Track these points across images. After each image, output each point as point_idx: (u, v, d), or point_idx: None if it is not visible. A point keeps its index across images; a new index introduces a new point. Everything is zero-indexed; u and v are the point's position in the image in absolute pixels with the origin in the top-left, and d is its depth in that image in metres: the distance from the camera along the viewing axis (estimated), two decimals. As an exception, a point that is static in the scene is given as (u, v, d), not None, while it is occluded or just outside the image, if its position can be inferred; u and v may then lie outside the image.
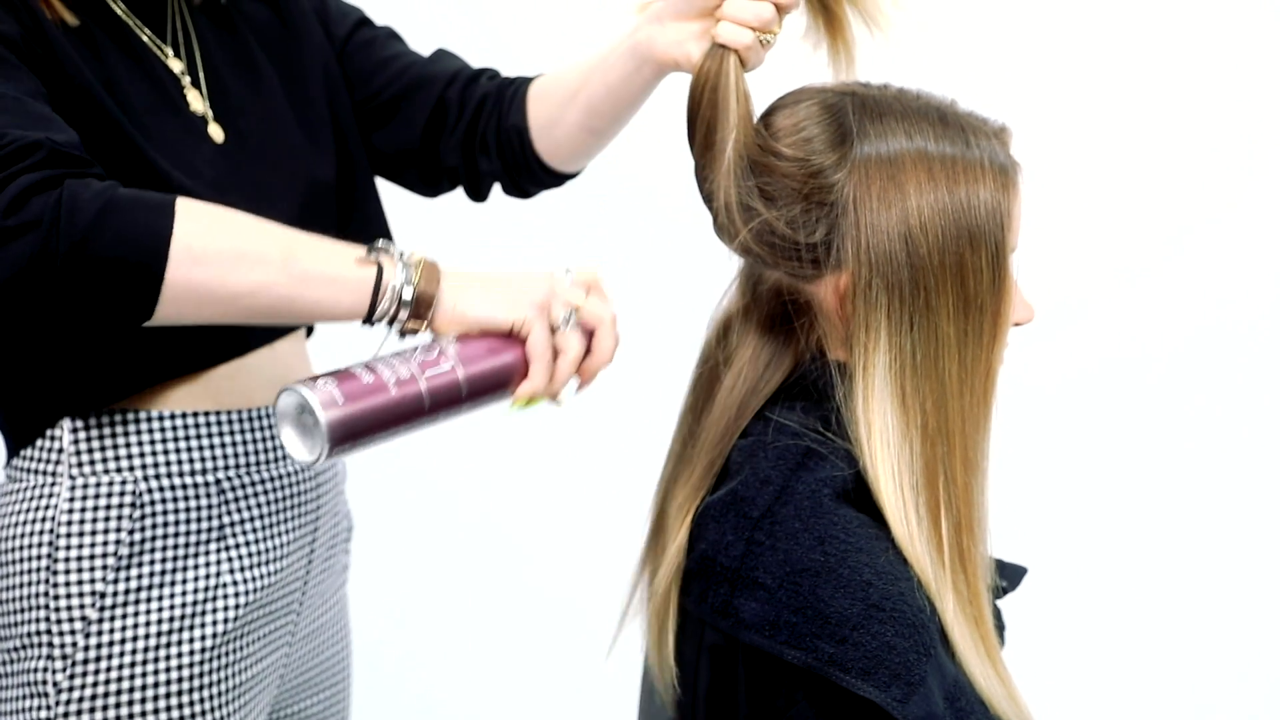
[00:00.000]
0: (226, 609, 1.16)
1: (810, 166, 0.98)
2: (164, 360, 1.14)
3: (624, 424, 2.09)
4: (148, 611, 1.13)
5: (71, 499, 1.12)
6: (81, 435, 1.13)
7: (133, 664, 1.12)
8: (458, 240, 1.48)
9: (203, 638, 1.15)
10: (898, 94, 1.01)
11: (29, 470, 1.14)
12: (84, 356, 1.11)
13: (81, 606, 1.11)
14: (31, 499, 1.13)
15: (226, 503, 1.17)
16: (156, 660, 1.13)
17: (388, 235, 1.33)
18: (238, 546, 1.18)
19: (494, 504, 2.35)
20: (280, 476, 1.22)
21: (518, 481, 2.34)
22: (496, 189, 1.40)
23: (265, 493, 1.20)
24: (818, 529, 0.95)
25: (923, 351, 0.96)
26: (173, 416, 1.15)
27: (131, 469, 1.13)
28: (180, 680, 1.14)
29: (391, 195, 1.40)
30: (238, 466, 1.18)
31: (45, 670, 1.11)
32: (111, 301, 0.96)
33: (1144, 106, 2.22)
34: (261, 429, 1.20)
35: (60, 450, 1.13)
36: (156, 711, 1.13)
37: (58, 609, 1.11)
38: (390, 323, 1.01)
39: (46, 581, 1.12)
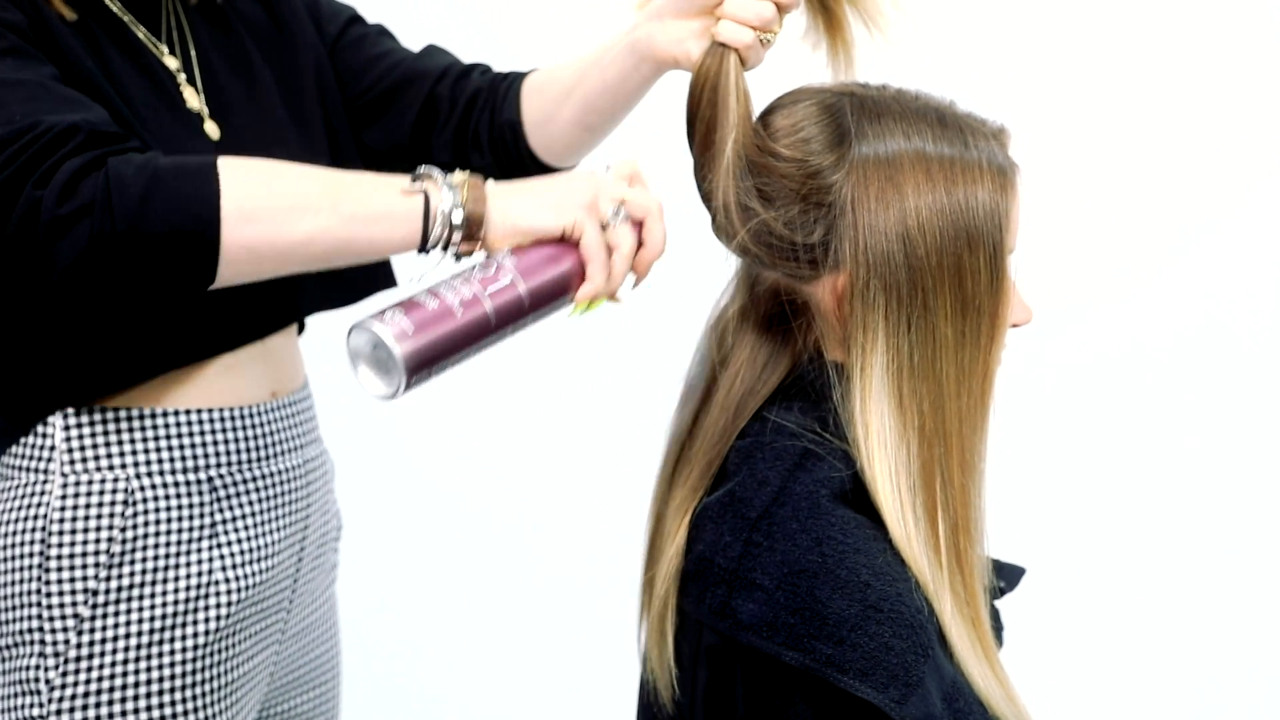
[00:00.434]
0: (218, 606, 1.16)
1: (808, 167, 0.98)
2: (157, 353, 1.13)
3: (622, 423, 2.09)
4: (139, 609, 1.13)
5: (64, 496, 1.12)
6: (74, 433, 1.12)
7: (124, 661, 1.12)
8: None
9: (194, 635, 1.15)
10: (896, 94, 1.01)
11: (20, 468, 1.14)
12: (78, 349, 1.11)
13: (74, 604, 1.11)
14: (23, 496, 1.13)
15: (218, 500, 1.17)
16: (148, 658, 1.13)
17: None
18: (229, 544, 1.17)
19: (487, 503, 2.35)
20: (271, 474, 1.22)
21: (512, 481, 2.34)
22: None
23: (256, 490, 1.20)
24: (815, 530, 0.95)
25: (920, 353, 0.96)
26: (164, 414, 1.15)
27: (124, 466, 1.13)
28: (172, 678, 1.14)
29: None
30: (229, 464, 1.18)
31: (38, 668, 1.11)
32: (173, 270, 0.98)
33: (1147, 109, 2.22)
34: (253, 426, 1.20)
35: (52, 448, 1.13)
36: (149, 709, 1.13)
37: (49, 606, 1.11)
38: (445, 247, 1.02)
39: (39, 579, 1.11)
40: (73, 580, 1.11)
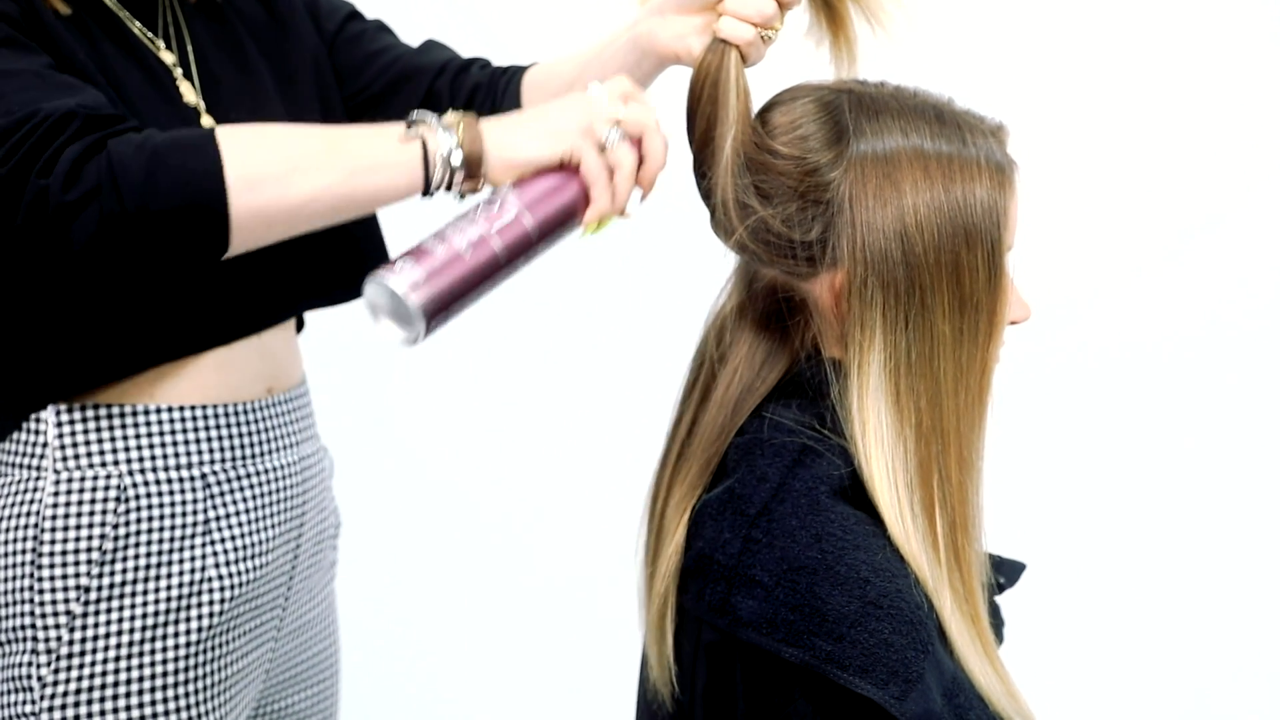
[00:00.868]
0: (211, 604, 1.16)
1: (806, 165, 0.98)
2: (150, 345, 1.13)
3: (621, 420, 2.09)
4: (132, 606, 1.13)
5: (56, 493, 1.12)
6: (66, 429, 1.12)
7: (117, 658, 1.12)
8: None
9: (187, 632, 1.15)
10: (894, 92, 1.01)
11: (13, 464, 1.14)
12: (70, 341, 1.11)
13: (66, 601, 1.11)
14: (15, 493, 1.13)
15: (212, 497, 1.17)
16: (141, 655, 1.13)
17: (377, 229, 1.33)
18: (223, 541, 1.17)
19: (487, 501, 2.35)
20: (265, 471, 1.22)
21: (511, 479, 2.34)
22: None
23: (251, 487, 1.20)
24: (815, 526, 0.95)
25: (918, 350, 0.96)
26: (158, 410, 1.15)
27: (116, 463, 1.13)
28: (165, 674, 1.14)
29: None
30: (223, 460, 1.18)
31: (30, 664, 1.11)
32: (186, 243, 0.99)
33: (1147, 107, 2.22)
34: (248, 423, 1.20)
35: (45, 444, 1.12)
36: (141, 706, 1.13)
37: (42, 604, 1.11)
38: (448, 188, 1.03)
39: (31, 576, 1.11)
40: (64, 577, 1.11)
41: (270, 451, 1.22)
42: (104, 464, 1.13)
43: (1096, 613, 2.28)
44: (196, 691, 1.15)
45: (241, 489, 1.19)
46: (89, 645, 1.12)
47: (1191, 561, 2.27)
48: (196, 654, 1.16)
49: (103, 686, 1.12)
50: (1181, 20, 2.20)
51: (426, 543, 2.33)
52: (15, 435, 1.13)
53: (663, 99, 1.12)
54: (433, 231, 1.01)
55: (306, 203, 1.01)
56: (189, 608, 1.15)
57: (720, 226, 1.02)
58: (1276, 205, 2.24)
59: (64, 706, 1.11)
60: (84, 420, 1.12)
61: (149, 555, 1.14)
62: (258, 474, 1.21)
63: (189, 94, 1.16)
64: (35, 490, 1.12)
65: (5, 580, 1.12)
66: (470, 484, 2.34)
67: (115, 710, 1.12)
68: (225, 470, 1.18)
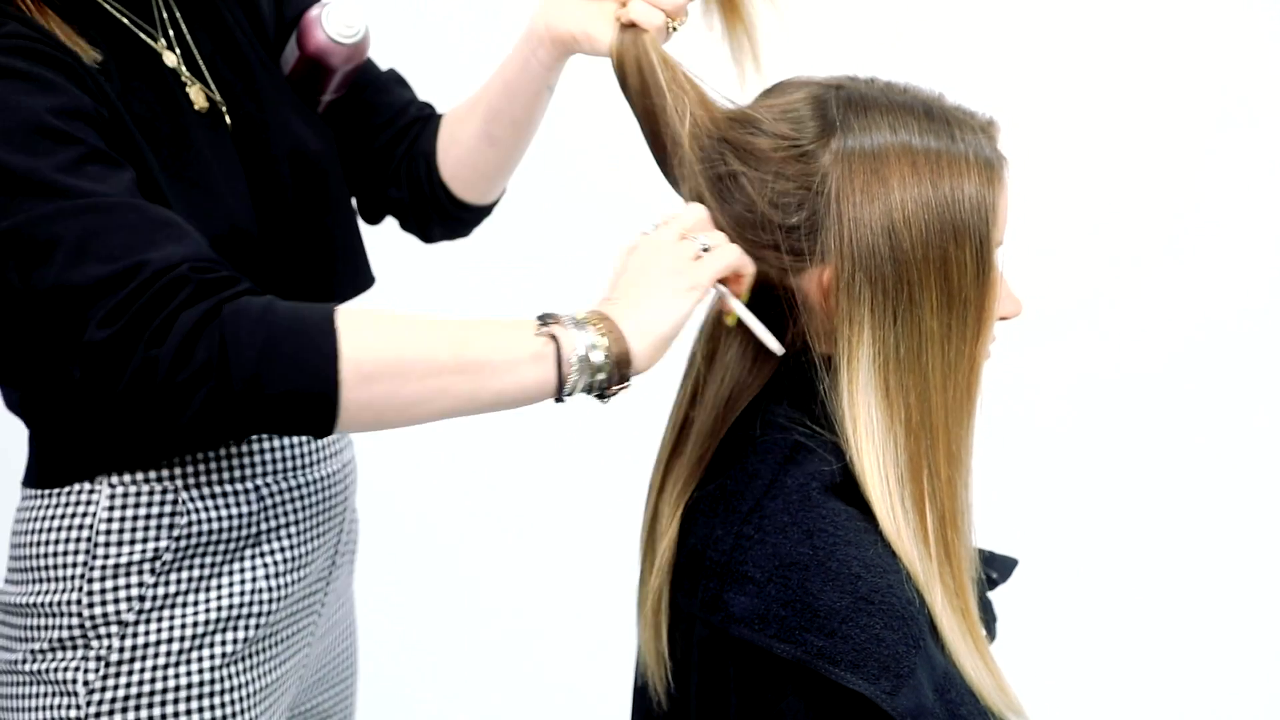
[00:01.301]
0: (259, 614, 1.16)
1: (796, 147, 0.98)
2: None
3: (619, 420, 2.09)
4: (183, 615, 1.12)
5: (111, 507, 1.11)
6: (121, 444, 1.11)
7: (165, 665, 1.12)
8: (453, 249, 1.48)
9: (234, 641, 1.15)
10: (884, 87, 1.00)
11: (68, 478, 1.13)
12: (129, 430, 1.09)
13: (119, 612, 1.11)
14: (70, 504, 1.12)
15: (266, 509, 1.17)
16: (189, 662, 1.13)
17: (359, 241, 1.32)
18: (273, 552, 1.17)
19: (486, 500, 2.36)
20: (314, 481, 1.22)
21: (511, 478, 2.35)
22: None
23: (301, 498, 1.20)
24: (806, 522, 0.96)
25: (906, 345, 0.96)
26: None
27: (172, 477, 1.12)
28: (211, 682, 1.14)
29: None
30: (276, 472, 1.18)
31: (77, 669, 1.11)
32: (290, 425, 0.94)
33: (1145, 109, 2.21)
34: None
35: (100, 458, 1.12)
36: (189, 713, 1.12)
37: (93, 616, 1.11)
38: (589, 391, 0.97)
39: (81, 590, 1.11)
40: (117, 589, 1.11)
41: (318, 461, 1.22)
42: (159, 478, 1.11)
43: (1088, 608, 2.28)
44: (240, 699, 1.15)
45: (292, 499, 1.19)
46: (138, 653, 1.11)
47: (1182, 556, 2.27)
48: (240, 660, 1.15)
49: (150, 693, 1.11)
50: (1179, 19, 2.20)
51: (424, 541, 2.34)
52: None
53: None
54: None
55: (422, 401, 0.95)
56: (238, 617, 1.15)
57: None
58: (1273, 207, 2.23)
59: (111, 713, 1.11)
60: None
61: (203, 567, 1.13)
62: (307, 484, 1.21)
63: (198, 98, 1.14)
64: (90, 504, 1.11)
65: (55, 592, 1.12)
66: (470, 483, 2.35)
67: (163, 717, 1.12)
68: (278, 481, 1.18)
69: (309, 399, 0.92)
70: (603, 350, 0.95)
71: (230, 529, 1.14)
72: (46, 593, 1.12)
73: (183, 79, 1.13)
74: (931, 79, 1.03)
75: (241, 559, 1.15)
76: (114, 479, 1.11)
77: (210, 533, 1.13)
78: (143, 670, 1.11)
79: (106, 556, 1.11)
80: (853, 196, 0.96)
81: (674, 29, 1.07)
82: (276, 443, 1.18)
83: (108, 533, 1.11)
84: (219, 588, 1.14)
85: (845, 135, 0.97)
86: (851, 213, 0.96)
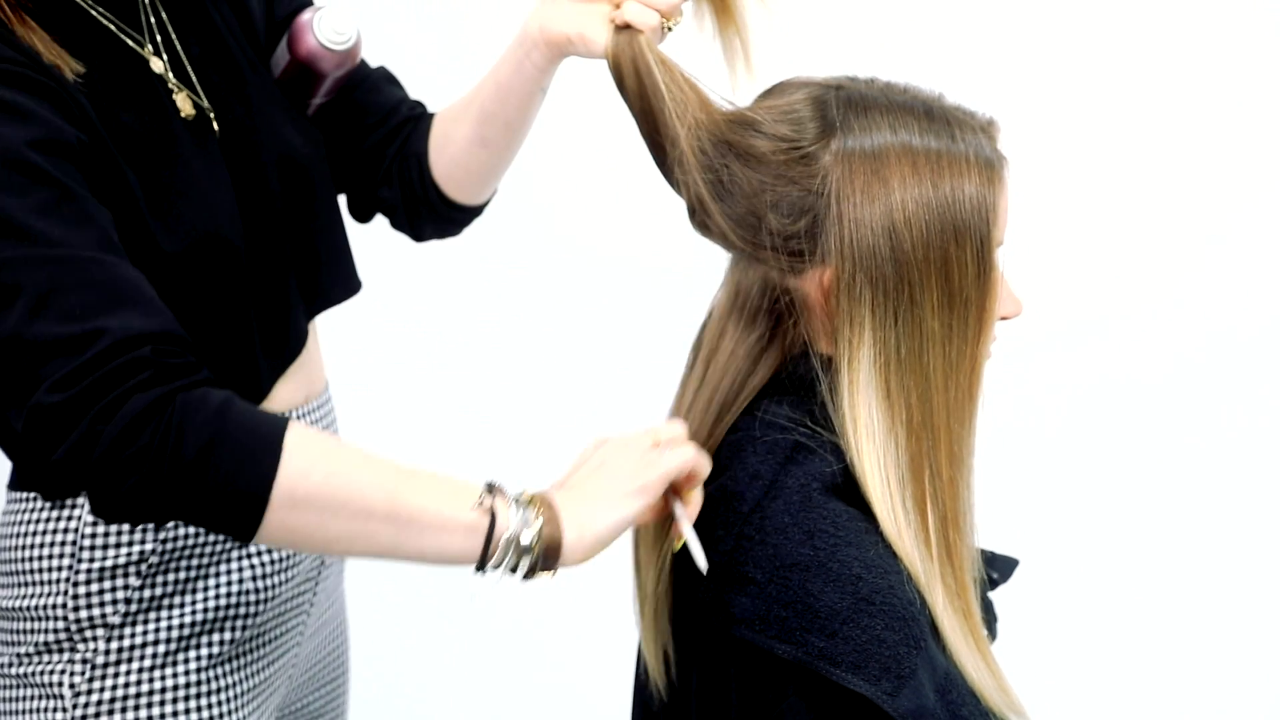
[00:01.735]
0: (246, 615, 1.16)
1: (797, 149, 0.97)
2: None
3: (620, 420, 2.09)
4: (170, 617, 1.13)
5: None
6: None
7: (152, 668, 1.12)
8: (454, 246, 1.48)
9: (221, 642, 1.15)
10: (884, 88, 1.00)
11: None
12: None
13: (104, 616, 1.11)
14: (55, 508, 1.12)
15: None
16: (175, 664, 1.13)
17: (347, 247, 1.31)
18: (260, 553, 1.17)
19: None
20: None
21: (513, 475, 2.34)
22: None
23: None
24: (807, 523, 0.96)
25: (907, 346, 0.96)
26: None
27: None
28: (199, 683, 1.14)
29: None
30: None
31: (64, 673, 1.11)
32: (209, 525, 0.93)
33: (1160, 120, 2.21)
34: None
35: None
36: (176, 715, 1.12)
37: (79, 619, 1.11)
38: (513, 570, 0.95)
39: (67, 594, 1.11)
40: (103, 592, 1.11)
41: None
42: None
43: (1089, 608, 2.28)
44: (227, 700, 1.15)
45: None
46: (124, 655, 1.11)
47: (1183, 557, 2.27)
48: (229, 662, 1.15)
49: (137, 696, 1.11)
50: (1195, 28, 2.19)
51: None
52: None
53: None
54: None
55: (342, 539, 0.94)
56: (225, 619, 1.15)
57: (700, 224, 1.02)
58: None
59: (97, 715, 1.11)
60: None
61: (189, 569, 1.13)
62: None
63: (185, 106, 1.12)
64: (75, 508, 1.11)
65: (40, 596, 1.12)
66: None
67: (149, 718, 1.12)
68: None
69: (235, 509, 0.91)
70: (535, 536, 0.94)
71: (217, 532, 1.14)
72: (32, 596, 1.12)
73: (169, 86, 1.12)
74: (931, 79, 1.03)
75: (228, 561, 1.15)
76: None
77: (196, 535, 1.13)
78: (129, 673, 1.11)
79: (92, 560, 1.11)
80: (853, 197, 0.96)
81: (669, 29, 1.07)
82: None
83: (93, 536, 1.11)
84: (205, 590, 1.14)
85: (845, 136, 0.97)
86: (852, 213, 0.95)
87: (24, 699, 1.13)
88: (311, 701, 1.33)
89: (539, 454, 2.31)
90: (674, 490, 0.99)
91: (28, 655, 1.12)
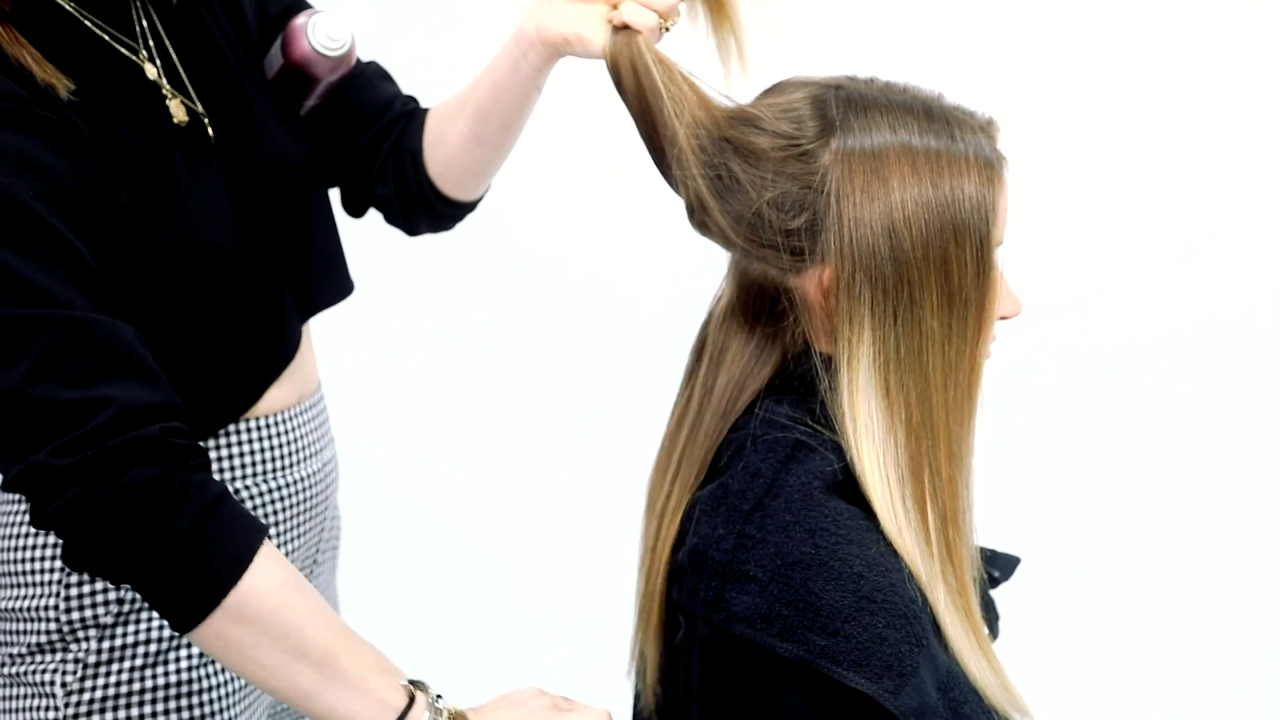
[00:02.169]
0: None
1: (797, 146, 0.98)
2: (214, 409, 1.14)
3: (620, 419, 2.09)
4: (160, 617, 1.11)
5: None
6: None
7: (143, 666, 1.12)
8: (446, 245, 1.48)
9: None
10: (883, 87, 1.00)
11: None
12: None
13: (96, 616, 1.11)
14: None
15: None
16: (166, 663, 1.13)
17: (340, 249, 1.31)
18: None
19: (485, 499, 2.35)
20: (294, 482, 1.21)
21: (510, 477, 2.34)
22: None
23: (280, 499, 1.20)
24: (808, 521, 0.96)
25: (907, 345, 0.96)
26: None
27: None
28: (190, 682, 1.14)
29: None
30: (254, 475, 1.17)
31: (56, 672, 1.11)
32: (153, 602, 0.96)
33: (1163, 109, 2.22)
34: (280, 434, 1.20)
35: None
36: (166, 712, 1.12)
37: (71, 620, 1.11)
38: None
39: (59, 594, 1.11)
40: (94, 593, 1.11)
41: (299, 462, 1.21)
42: None
43: (1091, 606, 2.29)
44: (217, 699, 1.15)
45: (271, 501, 1.19)
46: (116, 654, 1.11)
47: (1185, 555, 2.28)
48: (218, 661, 1.15)
49: (129, 694, 1.11)
50: (1193, 25, 2.20)
51: (416, 541, 2.33)
52: None
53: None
54: None
55: (266, 669, 0.97)
56: None
57: (699, 224, 1.02)
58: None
59: (89, 714, 1.11)
60: None
61: (120, 587, 1.12)
62: (286, 485, 1.20)
63: (178, 113, 1.12)
64: None
65: (32, 596, 1.12)
66: (463, 482, 2.35)
67: (141, 717, 1.12)
68: (256, 484, 1.17)
69: (189, 597, 0.94)
70: None
71: None
72: (25, 597, 1.12)
73: (164, 92, 1.12)
74: (930, 79, 1.03)
75: None
76: None
77: None
78: (120, 671, 1.11)
79: None
80: (853, 196, 0.96)
81: (666, 29, 1.08)
82: (255, 445, 1.18)
83: None
84: None
85: (845, 135, 0.97)
86: (851, 212, 0.96)
87: (17, 698, 1.13)
88: (305, 702, 1.33)
89: (534, 454, 2.32)
90: None
91: (20, 655, 1.12)
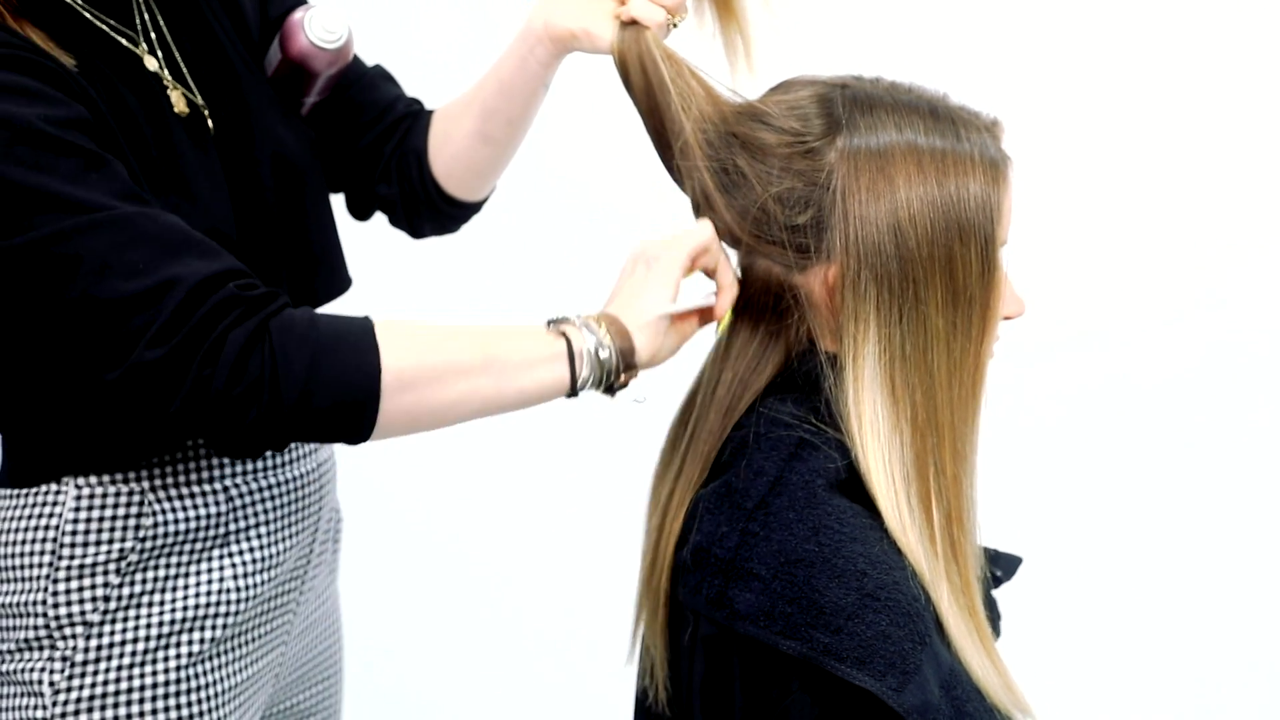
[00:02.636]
0: (227, 613, 1.16)
1: (803, 143, 0.98)
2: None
3: (622, 418, 2.09)
4: (149, 615, 1.12)
5: (77, 508, 1.10)
6: (88, 443, 1.10)
7: (132, 665, 1.12)
8: (444, 244, 1.48)
9: (202, 640, 1.14)
10: (889, 87, 1.01)
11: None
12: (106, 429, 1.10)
13: (83, 612, 1.11)
14: (36, 505, 1.11)
15: (235, 510, 1.16)
16: (155, 661, 1.12)
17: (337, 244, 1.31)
18: (242, 552, 1.17)
19: (486, 499, 2.35)
20: (287, 481, 1.21)
21: (512, 475, 2.34)
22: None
23: (272, 498, 1.19)
24: (812, 519, 0.96)
25: (912, 343, 0.97)
26: None
27: (139, 479, 1.11)
28: (178, 681, 1.13)
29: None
30: (245, 473, 1.17)
31: (43, 670, 1.10)
32: (331, 435, 0.99)
33: (1153, 105, 2.22)
34: None
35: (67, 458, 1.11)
36: (155, 712, 1.12)
37: (58, 616, 1.10)
38: (598, 386, 1.02)
39: (46, 590, 1.11)
40: (83, 589, 1.10)
41: (291, 461, 1.21)
42: (126, 479, 1.11)
43: (1093, 606, 2.29)
44: (207, 698, 1.15)
45: (263, 500, 1.19)
46: (104, 653, 1.11)
47: (1187, 555, 2.28)
48: (209, 660, 1.15)
49: (116, 693, 1.11)
50: (1204, 27, 2.21)
51: (417, 540, 2.33)
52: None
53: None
54: None
55: (455, 403, 1.00)
56: (205, 617, 1.14)
57: (703, 217, 1.02)
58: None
59: (76, 713, 1.10)
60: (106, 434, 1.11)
61: (169, 567, 1.13)
62: (279, 484, 1.20)
63: (179, 103, 1.12)
64: (56, 505, 1.11)
65: (20, 593, 1.11)
66: (465, 480, 2.35)
67: (129, 716, 1.11)
68: (248, 482, 1.17)
69: (354, 408, 0.97)
70: (609, 346, 1.01)
71: (198, 529, 1.14)
72: (12, 593, 1.12)
73: (164, 83, 1.12)
74: (936, 79, 1.04)
75: (209, 559, 1.15)
76: (81, 480, 1.10)
77: (177, 533, 1.13)
78: (108, 670, 1.11)
79: (72, 557, 1.10)
80: (858, 194, 0.96)
81: (674, 25, 1.08)
82: None
83: (73, 534, 1.10)
84: (185, 588, 1.13)
85: (851, 133, 0.97)
86: (857, 210, 0.96)
87: (5, 695, 1.12)
88: (301, 701, 1.33)
89: (535, 453, 2.32)
90: (706, 274, 1.05)
91: (8, 652, 1.12)
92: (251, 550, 1.17)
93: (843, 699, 0.92)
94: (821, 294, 1.00)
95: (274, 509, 1.20)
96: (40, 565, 1.11)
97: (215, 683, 1.16)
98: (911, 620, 0.93)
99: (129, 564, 1.11)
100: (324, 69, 1.25)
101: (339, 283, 1.30)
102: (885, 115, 0.98)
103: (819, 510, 0.96)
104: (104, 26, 1.09)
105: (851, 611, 0.92)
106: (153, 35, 1.13)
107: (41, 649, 1.11)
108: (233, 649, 1.17)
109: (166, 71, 1.13)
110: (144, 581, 1.12)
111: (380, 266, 1.74)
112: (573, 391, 1.02)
